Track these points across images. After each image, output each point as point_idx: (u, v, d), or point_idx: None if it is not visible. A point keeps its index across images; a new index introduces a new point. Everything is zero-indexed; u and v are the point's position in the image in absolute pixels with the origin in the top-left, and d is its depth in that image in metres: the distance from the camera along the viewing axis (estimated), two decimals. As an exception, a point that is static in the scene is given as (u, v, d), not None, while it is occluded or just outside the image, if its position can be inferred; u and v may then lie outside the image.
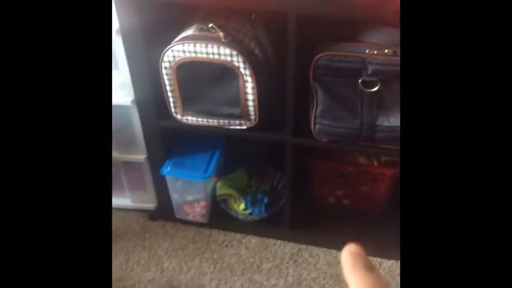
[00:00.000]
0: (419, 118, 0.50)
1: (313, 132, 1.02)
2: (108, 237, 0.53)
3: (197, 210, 1.25)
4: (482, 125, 0.47)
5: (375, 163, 1.17)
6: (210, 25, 0.94)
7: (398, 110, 0.94)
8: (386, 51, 0.88)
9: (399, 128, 0.95)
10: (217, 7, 0.96)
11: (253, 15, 1.02)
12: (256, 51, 0.99)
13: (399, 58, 0.88)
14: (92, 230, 0.50)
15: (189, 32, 0.96)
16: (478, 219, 0.47)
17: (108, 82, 0.59)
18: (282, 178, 1.23)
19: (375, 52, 0.89)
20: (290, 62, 0.94)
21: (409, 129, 0.50)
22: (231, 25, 0.97)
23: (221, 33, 0.93)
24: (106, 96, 0.53)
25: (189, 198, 1.23)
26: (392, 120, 0.96)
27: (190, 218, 1.28)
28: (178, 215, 1.28)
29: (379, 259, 1.21)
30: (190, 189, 1.21)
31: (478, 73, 0.47)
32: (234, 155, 1.28)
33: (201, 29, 0.96)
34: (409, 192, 0.50)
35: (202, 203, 1.24)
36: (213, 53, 0.94)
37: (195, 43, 0.94)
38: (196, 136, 1.21)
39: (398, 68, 0.89)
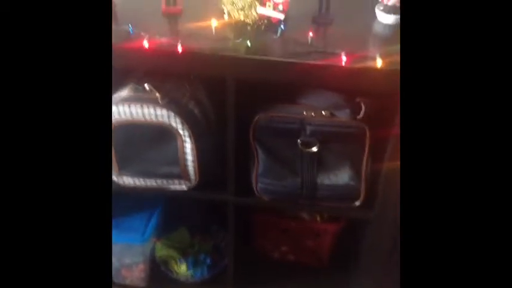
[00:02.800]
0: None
1: (255, 191, 1.01)
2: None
3: (135, 274, 1.18)
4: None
5: (318, 219, 1.16)
6: (146, 86, 0.92)
7: (338, 168, 0.95)
8: (323, 113, 0.90)
9: (339, 187, 0.96)
10: (154, 69, 0.94)
11: (191, 76, 1.01)
12: (196, 111, 0.96)
13: (336, 119, 0.90)
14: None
15: (124, 92, 0.93)
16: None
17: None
18: (225, 236, 1.19)
19: (312, 114, 0.90)
20: (230, 123, 0.92)
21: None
22: (168, 85, 0.95)
23: (158, 94, 0.91)
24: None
25: (127, 261, 1.16)
26: (333, 179, 0.96)
27: (128, 282, 1.20)
28: (115, 279, 1.20)
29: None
30: (128, 252, 1.14)
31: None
32: (175, 213, 1.23)
33: (136, 90, 0.93)
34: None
35: (141, 266, 1.17)
36: (149, 114, 0.91)
37: (129, 104, 0.90)
38: (135, 195, 1.15)
39: (336, 129, 0.90)
